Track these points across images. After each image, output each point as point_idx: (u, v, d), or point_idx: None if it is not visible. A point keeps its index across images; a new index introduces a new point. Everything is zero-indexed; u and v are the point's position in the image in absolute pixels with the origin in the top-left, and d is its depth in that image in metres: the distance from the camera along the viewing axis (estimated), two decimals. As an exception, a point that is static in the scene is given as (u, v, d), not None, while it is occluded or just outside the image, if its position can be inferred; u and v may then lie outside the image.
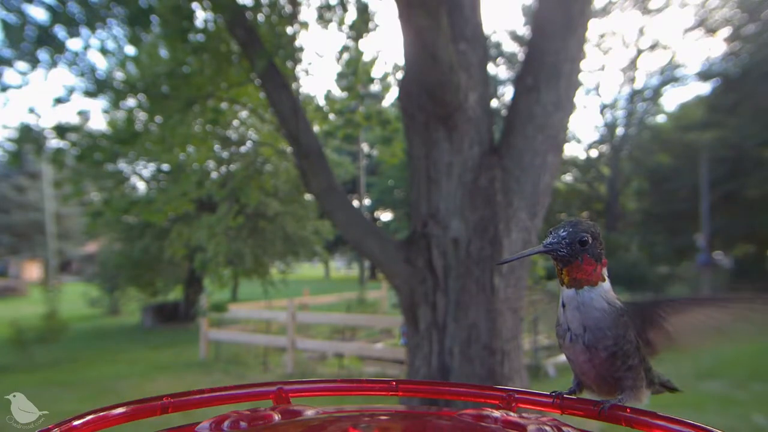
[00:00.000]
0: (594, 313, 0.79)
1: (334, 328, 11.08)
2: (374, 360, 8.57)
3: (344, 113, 6.23)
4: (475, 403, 0.84)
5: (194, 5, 4.24)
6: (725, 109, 20.09)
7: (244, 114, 8.33)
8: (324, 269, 39.58)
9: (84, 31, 4.06)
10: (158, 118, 5.03)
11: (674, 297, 0.85)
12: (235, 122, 9.16)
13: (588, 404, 0.78)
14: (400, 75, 4.98)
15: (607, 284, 0.82)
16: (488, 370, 3.27)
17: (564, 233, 0.79)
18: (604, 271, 0.82)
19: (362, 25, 5.04)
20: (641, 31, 26.41)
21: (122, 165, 11.31)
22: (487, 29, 4.67)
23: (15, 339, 9.61)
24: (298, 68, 5.14)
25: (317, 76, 30.22)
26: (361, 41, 5.31)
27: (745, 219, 19.16)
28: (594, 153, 30.55)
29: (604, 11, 24.55)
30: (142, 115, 5.23)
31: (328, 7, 5.04)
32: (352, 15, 5.07)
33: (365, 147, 28.19)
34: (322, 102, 6.40)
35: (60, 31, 3.89)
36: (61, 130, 4.81)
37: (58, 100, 4.51)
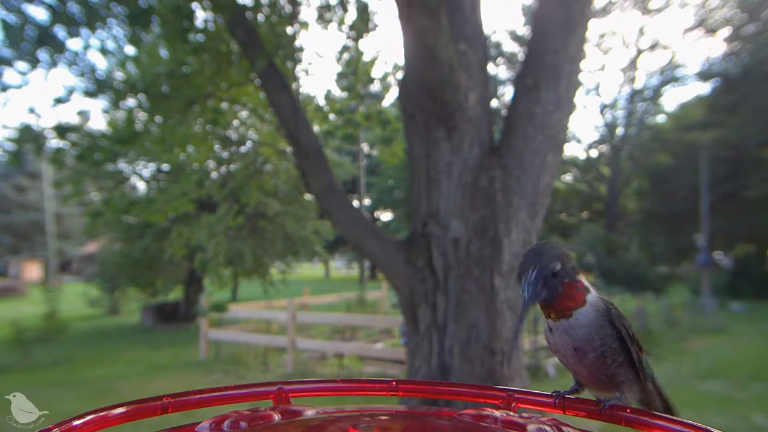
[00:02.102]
0: (583, 330, 0.79)
1: (334, 328, 11.08)
2: (374, 360, 8.57)
3: (344, 113, 6.22)
4: (475, 403, 0.84)
5: (194, 5, 4.23)
6: (725, 109, 20.09)
7: (244, 114, 8.32)
8: (324, 269, 39.61)
9: (84, 31, 4.06)
10: (158, 118, 5.02)
11: None
12: (235, 122, 9.15)
13: (588, 404, 0.78)
14: (400, 75, 4.98)
15: (591, 294, 0.81)
16: (488, 370, 3.27)
17: (533, 276, 0.76)
18: (582, 279, 0.81)
19: (362, 25, 5.04)
20: (641, 31, 26.45)
21: (122, 165, 11.32)
22: (487, 29, 4.67)
23: (15, 339, 9.60)
24: (298, 68, 5.14)
25: (317, 76, 30.24)
26: (361, 41, 5.31)
27: (745, 219, 19.16)
28: (594, 153, 30.60)
29: (604, 11, 24.57)
30: (142, 115, 5.22)
31: (328, 7, 5.04)
32: (352, 15, 5.07)
33: (365, 147, 28.21)
34: (322, 102, 6.40)
35: (60, 31, 3.89)
36: (61, 130, 4.81)
37: (58, 100, 4.50)
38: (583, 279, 0.81)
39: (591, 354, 0.79)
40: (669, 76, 26.12)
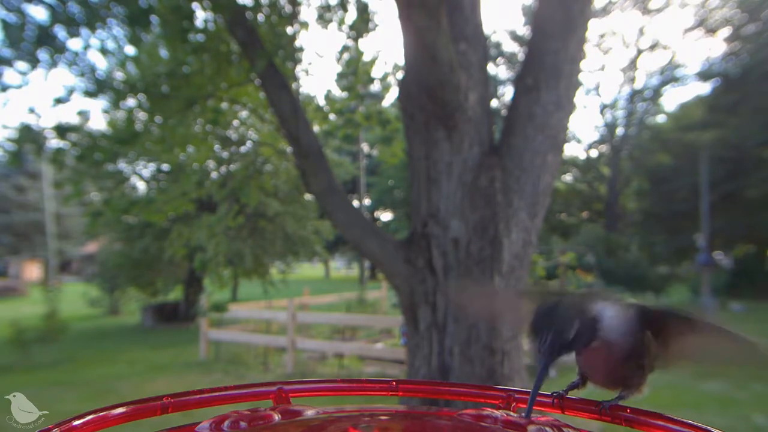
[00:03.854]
0: (616, 349, 0.76)
1: (334, 328, 11.08)
2: (374, 360, 8.57)
3: (344, 113, 6.22)
4: (475, 403, 0.84)
5: (194, 5, 4.23)
6: (725, 109, 20.09)
7: (244, 114, 8.32)
8: (324, 269, 39.63)
9: (84, 31, 4.06)
10: (158, 118, 5.02)
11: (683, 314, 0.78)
12: (235, 122, 9.15)
13: (588, 404, 0.78)
14: (400, 75, 4.98)
15: (610, 310, 0.75)
16: (488, 370, 3.27)
17: (548, 342, 0.71)
18: (602, 310, 0.75)
19: (362, 25, 5.04)
20: (641, 31, 26.45)
21: (122, 165, 11.32)
22: (487, 29, 4.67)
23: (15, 339, 9.60)
24: (298, 68, 5.14)
25: (317, 76, 30.25)
26: (361, 41, 5.31)
27: (745, 219, 19.16)
28: (594, 153, 30.60)
29: (604, 11, 24.58)
30: (142, 115, 5.22)
31: (328, 7, 5.04)
32: (352, 15, 5.08)
33: (365, 147, 28.21)
34: (322, 102, 6.41)
35: (60, 30, 3.89)
36: (61, 130, 4.81)
37: (58, 100, 4.50)
38: (603, 309, 0.75)
39: (618, 354, 0.77)
40: (669, 76, 26.13)
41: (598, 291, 0.79)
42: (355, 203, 16.48)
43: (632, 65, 27.25)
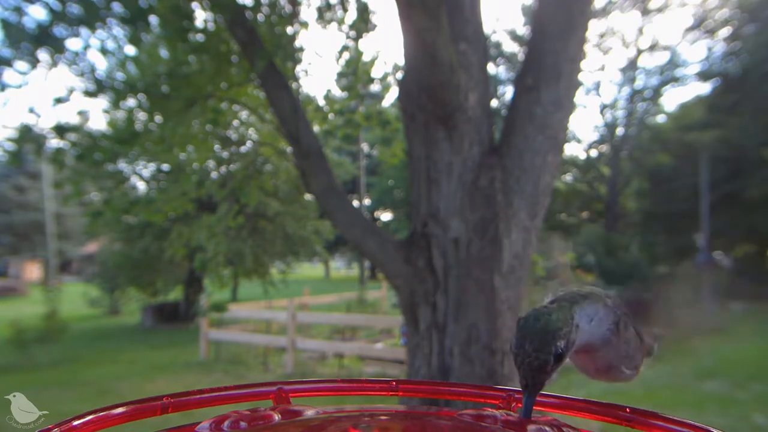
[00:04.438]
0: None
1: (334, 328, 11.09)
2: (374, 360, 8.57)
3: (344, 113, 6.23)
4: (475, 403, 0.84)
5: (194, 5, 4.23)
6: (725, 109, 20.09)
7: (244, 114, 8.32)
8: (324, 269, 39.64)
9: (84, 31, 4.06)
10: (158, 118, 5.02)
11: None
12: (235, 122, 9.16)
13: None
14: (400, 75, 4.98)
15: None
16: (488, 370, 3.27)
17: (527, 363, 0.66)
18: (577, 321, 0.70)
19: (362, 25, 5.04)
20: (641, 31, 26.43)
21: (122, 165, 11.32)
22: (487, 29, 4.68)
23: (15, 339, 9.61)
24: (298, 68, 5.14)
25: (317, 76, 30.24)
26: (361, 41, 5.31)
27: (745, 219, 19.16)
28: (594, 153, 30.56)
29: (604, 11, 24.56)
30: (142, 115, 5.22)
31: (328, 7, 5.04)
32: (352, 15, 5.08)
33: (365, 147, 28.23)
34: (322, 102, 6.41)
35: (60, 30, 3.89)
36: (61, 130, 4.80)
37: (58, 100, 4.50)
38: (581, 313, 0.71)
39: (603, 355, 0.78)
40: (669, 76, 26.11)
41: (575, 293, 0.71)
42: (355, 203, 16.49)
43: (632, 65, 27.24)
